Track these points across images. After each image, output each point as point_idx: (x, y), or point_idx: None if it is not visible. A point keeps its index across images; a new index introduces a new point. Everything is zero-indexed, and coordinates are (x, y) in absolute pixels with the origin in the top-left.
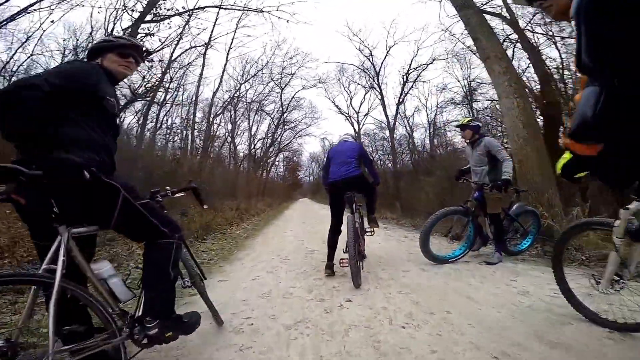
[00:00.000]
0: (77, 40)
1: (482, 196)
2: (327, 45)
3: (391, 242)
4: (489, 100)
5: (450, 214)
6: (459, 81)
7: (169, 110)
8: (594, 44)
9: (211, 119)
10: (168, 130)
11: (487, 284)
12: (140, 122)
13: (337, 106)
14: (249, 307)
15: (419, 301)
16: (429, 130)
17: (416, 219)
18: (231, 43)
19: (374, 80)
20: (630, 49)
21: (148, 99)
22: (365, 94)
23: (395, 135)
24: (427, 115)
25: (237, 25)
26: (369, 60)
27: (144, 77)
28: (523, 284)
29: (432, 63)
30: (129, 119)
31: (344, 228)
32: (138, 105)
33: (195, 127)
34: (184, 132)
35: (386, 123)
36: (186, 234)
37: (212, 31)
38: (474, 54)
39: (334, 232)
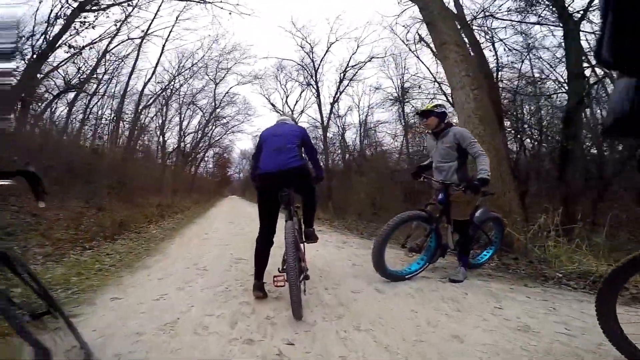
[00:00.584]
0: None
1: (447, 198)
2: (267, 40)
3: (329, 248)
4: (427, 98)
5: (409, 220)
6: (392, 81)
7: (99, 102)
8: (622, 34)
9: (140, 110)
10: (97, 122)
11: (467, 313)
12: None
13: (272, 103)
14: (143, 347)
15: (388, 344)
16: (360, 130)
17: (348, 220)
18: (168, 35)
19: (312, 77)
20: None
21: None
22: (301, 92)
23: (328, 134)
24: (359, 115)
25: (177, 18)
26: (309, 56)
27: (79, 69)
28: (515, 314)
29: (369, 61)
30: (60, 109)
31: (277, 238)
32: (71, 96)
33: (125, 119)
34: (112, 124)
35: (320, 121)
36: (95, 231)
37: (150, 23)
38: (412, 52)
39: (265, 242)
